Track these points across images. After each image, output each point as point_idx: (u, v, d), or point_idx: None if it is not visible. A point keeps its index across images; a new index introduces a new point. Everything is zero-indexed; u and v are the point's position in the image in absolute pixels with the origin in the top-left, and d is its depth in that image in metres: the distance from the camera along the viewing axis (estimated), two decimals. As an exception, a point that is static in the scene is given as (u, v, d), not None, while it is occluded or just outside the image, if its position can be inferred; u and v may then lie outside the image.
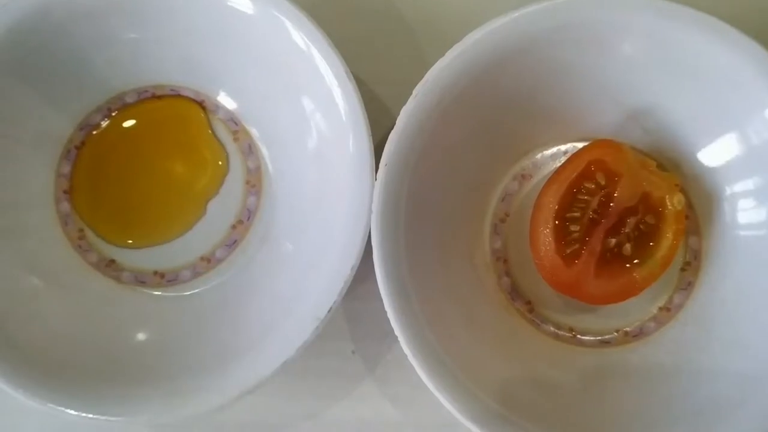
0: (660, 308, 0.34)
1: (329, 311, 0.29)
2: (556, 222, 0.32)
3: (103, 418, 0.30)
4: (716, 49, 0.30)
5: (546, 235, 0.32)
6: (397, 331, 0.29)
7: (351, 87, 0.30)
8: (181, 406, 0.29)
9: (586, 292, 0.32)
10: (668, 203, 0.32)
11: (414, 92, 0.30)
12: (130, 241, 0.35)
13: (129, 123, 0.35)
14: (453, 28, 0.32)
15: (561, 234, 0.32)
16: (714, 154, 0.32)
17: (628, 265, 0.32)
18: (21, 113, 0.32)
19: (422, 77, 0.30)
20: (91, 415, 0.30)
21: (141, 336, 0.33)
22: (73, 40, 0.32)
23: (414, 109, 0.30)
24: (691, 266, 0.34)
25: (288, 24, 0.30)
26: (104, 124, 0.35)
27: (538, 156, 0.35)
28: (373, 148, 0.30)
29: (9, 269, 0.32)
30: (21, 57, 0.31)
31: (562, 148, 0.34)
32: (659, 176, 0.32)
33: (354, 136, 0.30)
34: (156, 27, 0.32)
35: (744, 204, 0.32)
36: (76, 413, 0.30)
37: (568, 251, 0.32)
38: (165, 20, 0.32)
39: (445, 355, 0.30)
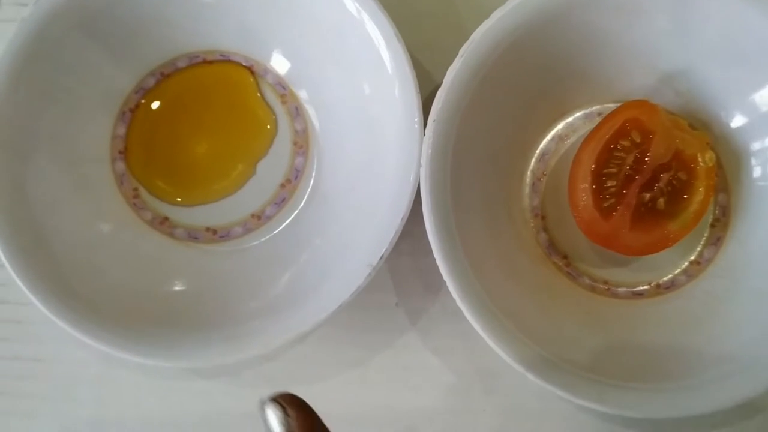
0: (690, 262, 0.35)
1: (381, 258, 0.31)
2: (594, 177, 0.33)
3: (166, 363, 0.32)
4: (745, 11, 0.31)
5: (584, 190, 0.33)
6: (446, 276, 0.30)
7: (400, 47, 0.32)
8: (239, 350, 0.31)
9: (622, 244, 0.33)
10: (700, 160, 0.33)
11: (460, 52, 0.32)
12: (179, 200, 0.37)
13: (181, 87, 0.37)
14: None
15: (598, 189, 0.33)
16: (742, 113, 0.34)
17: (662, 219, 0.33)
18: (86, 70, 0.34)
19: (462, 44, 0.32)
20: (149, 361, 0.32)
21: (197, 287, 0.34)
22: (134, 1, 0.33)
23: (460, 67, 0.31)
24: (720, 222, 0.35)
25: (339, -11, 0.32)
26: (157, 87, 0.37)
27: (574, 117, 0.36)
28: (421, 104, 0.31)
29: (74, 220, 0.33)
30: (87, 14, 0.33)
31: (597, 109, 0.36)
32: (691, 134, 0.34)
33: (401, 93, 0.32)
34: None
35: (772, 157, 0.33)
36: (136, 359, 0.31)
37: (605, 205, 0.33)
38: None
39: (489, 300, 0.31)
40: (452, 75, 0.31)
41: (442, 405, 0.35)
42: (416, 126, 0.31)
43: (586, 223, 0.33)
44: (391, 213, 0.31)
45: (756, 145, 0.34)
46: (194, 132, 0.37)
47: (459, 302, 0.30)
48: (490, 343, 0.30)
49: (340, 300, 0.31)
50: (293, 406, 0.25)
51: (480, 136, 0.33)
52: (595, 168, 0.33)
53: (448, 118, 0.31)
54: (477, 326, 0.30)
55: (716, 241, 0.35)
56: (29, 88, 0.32)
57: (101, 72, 0.35)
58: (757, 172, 0.34)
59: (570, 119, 0.36)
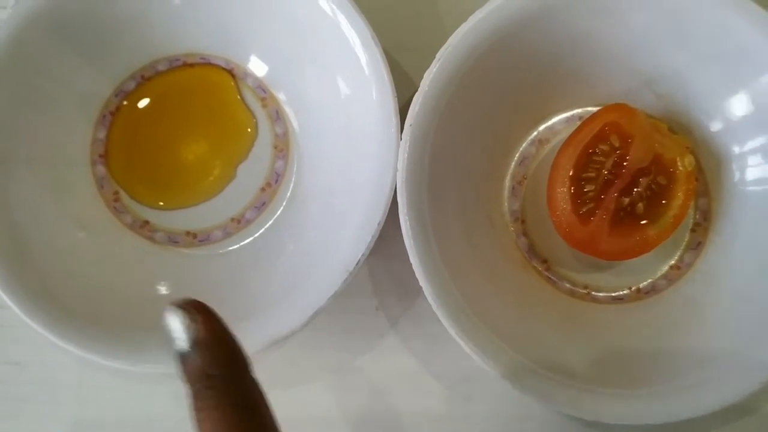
0: (671, 267, 0.35)
1: (358, 263, 0.31)
2: (572, 182, 0.33)
3: (138, 367, 0.31)
4: (724, 15, 0.31)
5: (563, 194, 0.33)
6: (422, 282, 0.30)
7: (377, 50, 0.31)
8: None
9: (601, 249, 0.33)
10: (679, 164, 0.33)
11: (437, 56, 0.32)
12: (161, 203, 0.36)
13: (161, 90, 0.37)
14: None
15: (577, 193, 0.33)
16: (723, 116, 0.34)
17: (641, 223, 0.33)
18: (65, 74, 0.34)
19: (441, 46, 0.32)
20: (128, 366, 0.32)
21: (176, 291, 0.34)
22: (112, 4, 0.33)
23: (437, 72, 0.31)
24: (701, 226, 0.35)
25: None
26: (137, 91, 0.36)
27: (554, 121, 0.36)
28: (398, 108, 0.31)
29: (53, 224, 0.33)
30: (65, 19, 0.33)
31: (578, 112, 0.36)
32: (670, 138, 0.34)
33: (379, 97, 0.32)
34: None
35: (752, 161, 0.33)
36: (115, 364, 0.31)
37: (584, 210, 0.33)
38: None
39: (467, 305, 0.31)
40: (429, 79, 0.31)
41: (423, 409, 0.35)
42: (393, 130, 0.31)
43: (565, 227, 0.33)
44: (367, 218, 0.31)
45: (736, 149, 0.34)
46: (175, 135, 0.37)
47: (435, 307, 0.30)
48: (466, 348, 0.30)
49: (317, 305, 0.31)
50: (199, 311, 0.23)
51: (458, 140, 0.33)
52: (573, 172, 0.33)
53: (425, 122, 0.31)
54: (453, 332, 0.30)
55: (697, 245, 0.35)
56: (6, 93, 0.32)
57: (80, 76, 0.35)
58: (737, 176, 0.34)
59: (550, 123, 0.36)
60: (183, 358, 0.23)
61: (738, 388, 0.30)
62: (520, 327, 0.33)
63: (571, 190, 0.33)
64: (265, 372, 0.35)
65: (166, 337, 0.23)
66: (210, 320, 0.23)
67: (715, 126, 0.34)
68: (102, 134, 0.36)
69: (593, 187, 0.33)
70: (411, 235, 0.30)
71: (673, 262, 0.35)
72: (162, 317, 0.23)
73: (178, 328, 0.23)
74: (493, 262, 0.34)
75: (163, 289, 0.34)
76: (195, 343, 0.23)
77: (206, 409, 0.22)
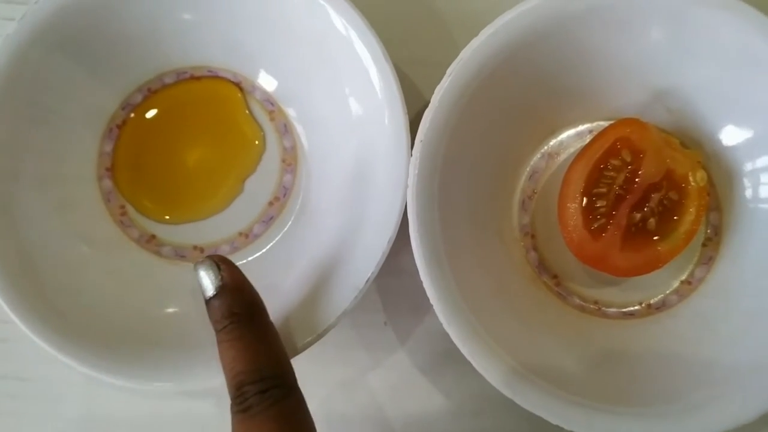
0: (682, 282, 0.35)
1: (368, 281, 0.30)
2: (584, 197, 0.33)
3: (146, 384, 0.31)
4: (737, 30, 0.31)
5: (574, 210, 0.33)
6: (433, 300, 0.30)
7: (388, 67, 0.31)
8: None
9: (612, 265, 0.33)
10: (691, 180, 0.33)
11: (448, 71, 0.31)
12: (168, 217, 0.36)
13: (168, 103, 0.36)
14: (482, 12, 0.33)
15: (588, 209, 0.33)
16: (735, 132, 0.34)
17: (652, 239, 0.33)
18: (70, 89, 0.34)
19: (452, 59, 0.32)
20: (134, 382, 0.31)
21: (181, 307, 0.34)
22: (120, 20, 0.33)
23: (448, 87, 0.31)
24: (712, 241, 0.35)
25: (327, 7, 0.32)
26: (144, 103, 0.36)
27: (565, 135, 0.36)
28: (409, 125, 0.31)
29: (60, 240, 0.33)
30: (71, 34, 0.33)
31: (588, 127, 0.36)
32: (682, 154, 0.33)
33: (390, 114, 0.31)
34: (199, 8, 0.34)
35: (764, 178, 0.33)
36: (121, 382, 0.31)
37: (595, 225, 0.33)
38: (207, 2, 0.33)
39: (478, 323, 0.31)
40: (440, 95, 0.31)
41: (430, 425, 0.35)
42: (403, 146, 0.31)
43: (576, 243, 0.33)
44: (378, 234, 0.31)
45: (748, 165, 0.34)
46: (182, 149, 0.36)
47: (446, 326, 0.30)
48: (477, 367, 0.30)
49: (326, 323, 0.30)
50: (222, 261, 0.28)
51: (469, 155, 0.33)
52: (584, 187, 0.33)
53: (435, 137, 0.31)
54: (464, 351, 0.30)
55: (708, 260, 0.35)
56: (12, 109, 0.32)
57: (86, 90, 0.34)
58: (749, 192, 0.34)
59: (561, 137, 0.36)
60: (211, 302, 0.28)
61: (749, 409, 0.30)
62: (531, 344, 0.32)
63: (582, 205, 0.33)
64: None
65: (197, 288, 0.28)
66: (232, 269, 0.29)
67: (727, 142, 0.34)
68: (109, 147, 0.36)
69: (604, 203, 0.33)
70: (422, 254, 0.30)
71: (684, 277, 0.35)
72: (193, 272, 0.28)
73: (206, 277, 0.28)
74: (503, 277, 0.34)
75: (170, 305, 0.34)
76: (221, 287, 0.28)
77: (231, 340, 0.27)
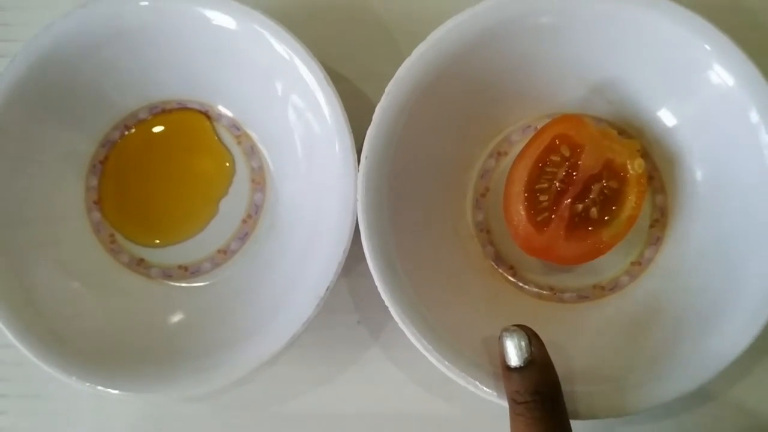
0: (632, 263, 0.37)
1: (327, 290, 0.33)
2: (527, 194, 0.35)
3: (140, 394, 0.35)
4: (658, 21, 0.33)
5: (518, 206, 0.35)
6: (388, 302, 0.33)
7: (331, 91, 0.34)
8: (207, 381, 0.34)
9: (558, 255, 0.35)
10: (629, 168, 0.35)
11: (386, 90, 0.34)
12: (157, 241, 0.40)
13: (144, 136, 0.39)
14: (424, 21, 0.35)
15: (531, 204, 0.35)
16: (671, 117, 0.35)
17: (596, 227, 0.35)
18: (47, 139, 0.37)
19: (400, 70, 0.34)
20: (130, 393, 0.35)
21: (169, 323, 0.37)
22: (84, 72, 0.36)
23: (388, 105, 0.33)
24: (659, 222, 0.37)
25: (269, 36, 0.34)
26: (123, 139, 0.39)
27: (512, 133, 0.38)
28: (354, 146, 0.34)
29: (51, 276, 0.37)
30: (41, 91, 0.36)
31: (534, 124, 0.37)
32: (621, 143, 0.35)
33: (338, 136, 0.34)
34: (155, 51, 0.36)
35: (700, 159, 0.35)
36: (118, 392, 0.35)
37: (539, 219, 0.35)
38: (162, 44, 0.36)
39: (434, 319, 0.33)
40: (380, 113, 0.33)
41: (407, 411, 0.38)
42: (350, 163, 0.33)
43: (522, 237, 0.35)
44: (333, 246, 0.33)
45: (687, 148, 0.35)
46: (160, 177, 0.40)
47: (401, 325, 0.33)
48: (430, 357, 0.32)
49: (293, 330, 0.33)
50: (532, 335, 0.29)
51: (418, 164, 0.35)
52: (527, 184, 0.35)
53: (379, 152, 0.33)
54: (418, 345, 0.33)
55: (656, 241, 0.37)
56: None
57: (64, 139, 0.37)
58: (688, 174, 0.35)
59: (509, 135, 0.38)
60: (514, 373, 0.29)
61: (694, 378, 0.32)
62: (488, 334, 0.35)
63: (525, 202, 0.35)
64: (260, 389, 0.39)
65: (502, 355, 0.29)
66: (541, 345, 0.29)
67: (666, 127, 0.36)
68: (94, 182, 0.39)
69: (547, 197, 0.35)
70: (374, 262, 0.33)
71: (633, 258, 0.37)
72: (500, 337, 0.29)
73: (515, 347, 0.29)
74: (460, 273, 0.37)
75: (160, 322, 0.38)
76: (530, 361, 0.29)
77: (530, 418, 0.28)
